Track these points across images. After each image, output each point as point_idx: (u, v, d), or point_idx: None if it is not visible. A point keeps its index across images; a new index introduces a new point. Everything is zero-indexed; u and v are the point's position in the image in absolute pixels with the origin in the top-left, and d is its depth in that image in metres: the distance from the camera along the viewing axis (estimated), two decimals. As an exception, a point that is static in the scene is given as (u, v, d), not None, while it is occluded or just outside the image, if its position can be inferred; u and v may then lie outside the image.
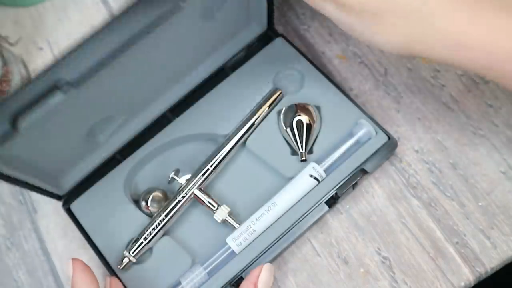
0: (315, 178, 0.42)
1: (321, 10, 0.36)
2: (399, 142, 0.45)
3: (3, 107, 0.34)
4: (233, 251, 0.41)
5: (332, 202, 0.42)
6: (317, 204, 0.42)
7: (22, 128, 0.35)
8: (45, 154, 0.41)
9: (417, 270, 0.42)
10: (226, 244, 0.41)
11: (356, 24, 0.35)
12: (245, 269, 0.41)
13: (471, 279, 0.41)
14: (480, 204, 0.43)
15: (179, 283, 0.41)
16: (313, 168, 0.42)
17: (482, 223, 0.42)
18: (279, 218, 0.42)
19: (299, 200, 0.42)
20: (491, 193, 0.43)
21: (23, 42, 0.53)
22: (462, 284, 0.41)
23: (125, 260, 0.42)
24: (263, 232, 0.41)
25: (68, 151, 0.43)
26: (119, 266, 0.42)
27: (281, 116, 0.45)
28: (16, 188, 0.48)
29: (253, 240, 0.41)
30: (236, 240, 0.41)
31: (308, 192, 0.42)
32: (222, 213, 0.42)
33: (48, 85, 0.34)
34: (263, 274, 0.38)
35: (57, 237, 0.46)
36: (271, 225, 0.42)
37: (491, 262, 0.41)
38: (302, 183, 0.42)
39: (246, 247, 0.41)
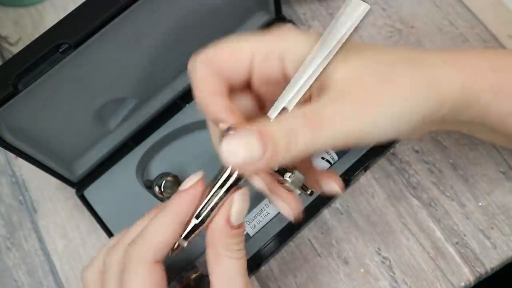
0: (327, 161, 0.43)
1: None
2: (400, 142, 0.45)
3: (5, 68, 0.34)
4: (247, 234, 0.41)
5: (344, 184, 0.43)
6: None
7: (23, 90, 0.34)
8: (56, 132, 0.41)
9: (417, 270, 0.42)
10: None
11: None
12: (259, 252, 0.41)
13: (471, 279, 0.41)
14: (480, 204, 0.43)
15: (195, 266, 0.41)
16: (325, 151, 0.43)
17: (482, 223, 0.42)
18: None
19: None
20: (491, 193, 0.43)
21: (23, 42, 0.53)
22: (462, 284, 0.41)
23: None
24: (276, 215, 0.42)
25: (80, 134, 0.43)
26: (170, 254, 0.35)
27: None
28: (16, 188, 0.48)
29: (267, 223, 0.42)
30: (250, 223, 0.41)
31: None
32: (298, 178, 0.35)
33: (48, 47, 0.34)
34: (235, 204, 0.30)
35: (57, 237, 0.46)
36: None
37: (491, 262, 0.41)
38: (314, 166, 0.43)
39: (260, 229, 0.42)
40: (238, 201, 0.30)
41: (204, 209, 0.30)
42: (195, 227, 0.30)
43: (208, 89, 0.31)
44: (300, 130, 0.27)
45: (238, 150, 0.27)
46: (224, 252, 0.30)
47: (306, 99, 0.30)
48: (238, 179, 0.30)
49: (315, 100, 0.29)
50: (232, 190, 0.30)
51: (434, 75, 0.29)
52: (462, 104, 0.30)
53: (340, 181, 0.33)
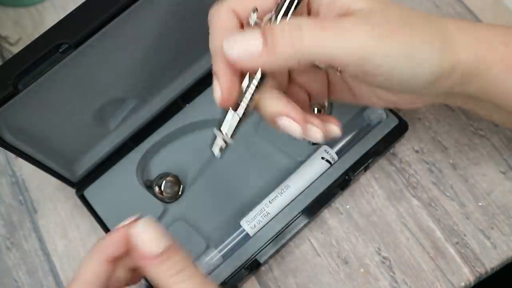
0: (327, 161, 0.43)
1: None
2: (400, 142, 0.45)
3: (5, 68, 0.34)
4: (247, 234, 0.41)
5: (344, 184, 0.43)
6: (329, 187, 0.42)
7: (23, 90, 0.34)
8: (56, 132, 0.41)
9: (417, 270, 0.42)
10: (241, 227, 0.42)
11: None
12: (259, 252, 0.41)
13: (471, 279, 0.41)
14: (480, 204, 0.43)
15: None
16: (325, 151, 0.43)
17: (482, 223, 0.42)
18: (292, 200, 0.42)
19: (312, 183, 0.42)
20: (491, 193, 0.43)
21: (23, 42, 0.53)
22: (462, 284, 0.41)
23: (219, 143, 0.33)
24: (276, 215, 0.42)
25: (80, 134, 0.43)
26: (214, 150, 0.33)
27: None
28: (16, 188, 0.48)
29: (267, 223, 0.42)
30: (250, 223, 0.41)
31: (321, 175, 0.43)
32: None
33: (48, 47, 0.34)
34: (140, 237, 0.29)
35: (57, 237, 0.46)
36: (285, 207, 0.42)
37: (491, 262, 0.41)
38: (315, 165, 0.43)
39: (260, 229, 0.42)
40: (141, 233, 0.29)
41: (241, 103, 0.31)
42: (238, 123, 0.32)
43: (226, 26, 0.31)
44: (308, 27, 0.27)
45: (237, 43, 0.28)
46: (171, 282, 0.28)
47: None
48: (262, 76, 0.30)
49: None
50: (261, 85, 0.30)
51: (450, 38, 0.30)
52: (473, 73, 0.31)
53: (337, 122, 0.33)
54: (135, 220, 0.30)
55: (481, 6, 0.50)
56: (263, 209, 0.42)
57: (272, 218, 0.42)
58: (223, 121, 0.32)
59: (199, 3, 0.40)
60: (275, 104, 0.31)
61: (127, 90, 0.43)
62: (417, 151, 0.45)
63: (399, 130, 0.44)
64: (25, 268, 0.46)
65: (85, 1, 0.35)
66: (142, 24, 0.38)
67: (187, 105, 0.47)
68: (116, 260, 0.30)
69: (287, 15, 0.30)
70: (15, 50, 0.52)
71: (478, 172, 0.44)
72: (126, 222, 0.31)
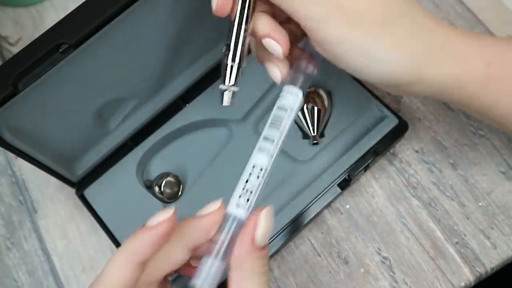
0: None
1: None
2: (400, 142, 0.45)
3: (5, 68, 0.34)
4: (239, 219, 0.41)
5: (344, 184, 0.43)
6: (330, 187, 0.42)
7: (23, 90, 0.34)
8: (56, 133, 0.41)
9: (417, 270, 0.42)
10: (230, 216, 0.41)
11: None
12: None
13: (471, 279, 0.41)
14: (480, 204, 0.43)
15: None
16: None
17: (482, 223, 0.42)
18: (293, 200, 0.42)
19: (312, 182, 0.43)
20: (491, 193, 0.43)
21: (23, 42, 0.53)
22: (462, 284, 0.41)
23: (227, 95, 0.34)
24: (277, 214, 0.42)
25: (80, 134, 0.43)
26: (224, 102, 0.34)
27: None
28: (16, 188, 0.48)
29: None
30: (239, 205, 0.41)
31: (321, 175, 0.43)
32: None
33: (48, 47, 0.34)
34: (261, 224, 0.29)
35: (57, 237, 0.46)
36: (286, 207, 0.42)
37: (491, 262, 0.41)
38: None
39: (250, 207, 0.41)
40: (264, 221, 0.29)
41: (235, 49, 0.32)
42: (237, 69, 0.33)
43: None
44: None
45: None
46: (250, 275, 0.28)
47: None
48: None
49: None
50: (250, 19, 0.32)
51: (429, 53, 0.31)
52: (442, 87, 0.32)
53: (312, 68, 0.34)
54: (221, 207, 0.30)
55: (481, 6, 0.50)
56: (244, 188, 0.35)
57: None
58: (222, 73, 0.33)
59: (199, 3, 0.40)
60: (263, 27, 0.32)
61: (127, 90, 0.43)
62: (417, 151, 0.45)
63: (399, 130, 0.44)
64: (25, 268, 0.46)
65: (85, 1, 0.35)
66: (142, 24, 0.38)
67: (187, 105, 0.47)
68: (146, 262, 0.28)
69: None
70: (15, 50, 0.52)
71: (478, 172, 0.44)
72: (158, 219, 0.29)
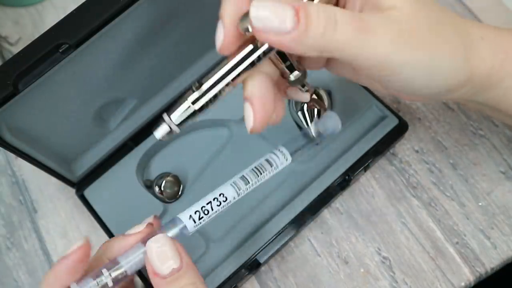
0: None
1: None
2: (400, 142, 0.45)
3: (5, 68, 0.34)
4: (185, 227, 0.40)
5: (344, 184, 0.43)
6: (330, 186, 0.42)
7: (23, 90, 0.34)
8: (56, 133, 0.41)
9: (417, 270, 0.42)
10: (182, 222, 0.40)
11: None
12: (259, 252, 0.41)
13: (471, 279, 0.41)
14: (480, 204, 0.43)
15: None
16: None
17: (482, 223, 0.42)
18: (293, 200, 0.42)
19: (312, 182, 0.42)
20: (491, 193, 0.43)
21: (23, 42, 0.53)
22: (462, 284, 0.41)
23: (164, 129, 0.30)
24: (278, 214, 0.42)
25: (80, 134, 0.43)
26: (156, 133, 0.31)
27: (292, 100, 0.45)
28: (16, 188, 0.48)
29: (267, 222, 0.42)
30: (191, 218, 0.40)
31: (321, 175, 0.43)
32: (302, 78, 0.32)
33: (48, 47, 0.34)
34: (152, 258, 0.29)
35: (57, 237, 0.46)
36: (286, 207, 0.42)
37: (491, 262, 0.41)
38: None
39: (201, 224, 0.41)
40: (152, 254, 0.29)
41: (206, 96, 0.28)
42: (193, 115, 0.29)
43: None
44: (343, 23, 0.26)
45: (266, 12, 0.25)
46: None
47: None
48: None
49: (364, 11, 0.29)
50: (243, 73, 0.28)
51: (472, 50, 0.30)
52: (485, 85, 0.31)
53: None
54: (148, 226, 0.31)
55: (481, 6, 0.50)
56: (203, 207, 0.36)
57: (273, 217, 0.42)
58: (176, 105, 0.29)
59: (199, 4, 0.40)
60: (251, 89, 0.29)
61: (127, 90, 0.43)
62: (417, 151, 0.45)
63: (399, 130, 0.44)
64: (25, 268, 0.46)
65: (85, 1, 0.35)
66: (142, 24, 0.38)
67: None
68: None
69: None
70: (15, 50, 0.52)
71: (478, 172, 0.44)
72: (132, 231, 0.31)
